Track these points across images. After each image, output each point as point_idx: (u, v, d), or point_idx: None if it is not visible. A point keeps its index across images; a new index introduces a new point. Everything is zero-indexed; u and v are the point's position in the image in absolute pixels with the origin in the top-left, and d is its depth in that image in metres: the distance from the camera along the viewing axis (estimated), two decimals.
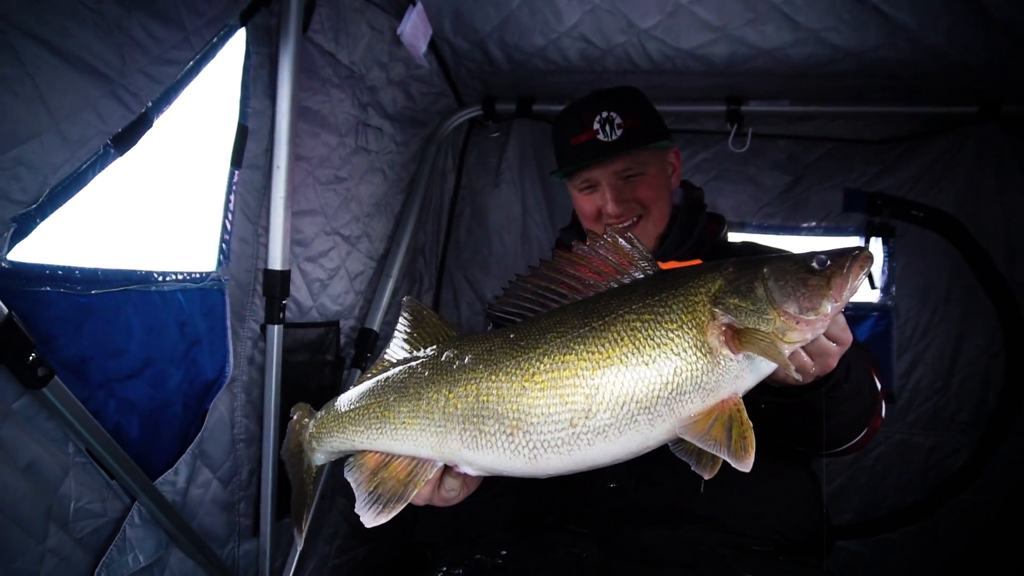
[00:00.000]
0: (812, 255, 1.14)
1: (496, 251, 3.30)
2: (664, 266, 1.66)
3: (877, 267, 2.98)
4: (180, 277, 1.87)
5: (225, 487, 2.13)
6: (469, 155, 3.37)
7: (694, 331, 1.07)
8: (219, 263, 2.03)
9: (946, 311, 2.95)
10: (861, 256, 1.14)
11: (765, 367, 1.12)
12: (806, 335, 1.10)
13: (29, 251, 1.47)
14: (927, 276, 2.97)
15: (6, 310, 1.33)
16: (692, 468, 1.09)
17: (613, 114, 1.83)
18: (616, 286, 1.19)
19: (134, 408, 1.74)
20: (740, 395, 1.11)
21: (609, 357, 1.07)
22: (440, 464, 1.22)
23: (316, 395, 2.60)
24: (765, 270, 1.12)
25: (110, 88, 1.53)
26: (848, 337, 1.22)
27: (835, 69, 2.59)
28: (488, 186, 3.31)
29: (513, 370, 1.12)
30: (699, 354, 1.07)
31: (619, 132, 1.82)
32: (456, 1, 2.44)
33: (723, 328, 1.08)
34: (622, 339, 1.08)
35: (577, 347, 1.09)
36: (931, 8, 2.20)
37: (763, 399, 1.32)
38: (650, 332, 1.08)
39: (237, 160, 2.01)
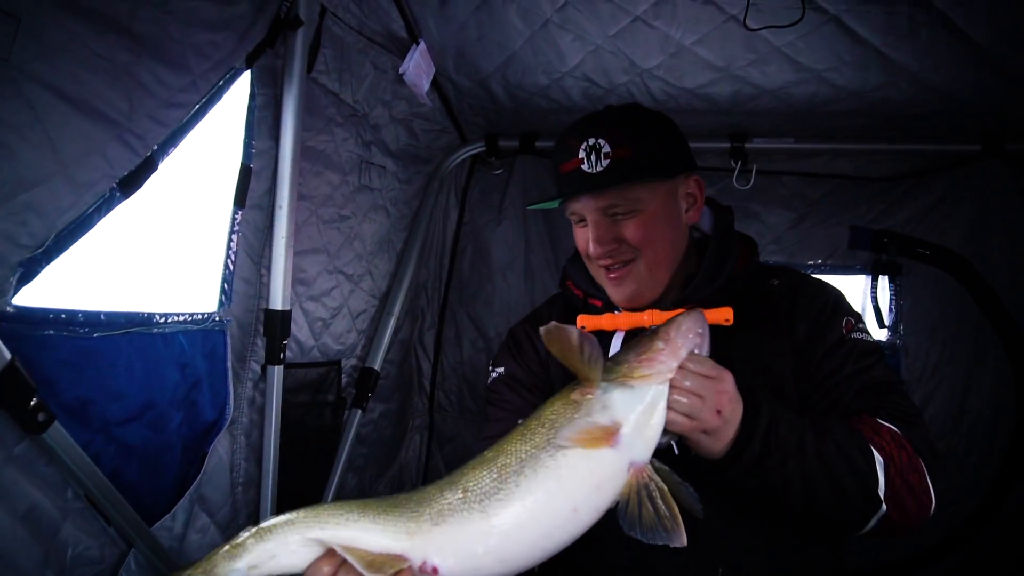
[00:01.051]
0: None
1: (499, 288, 3.33)
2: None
3: (884, 304, 3.01)
4: (182, 318, 1.90)
5: (223, 532, 2.13)
6: (472, 192, 3.43)
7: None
8: (221, 304, 2.06)
9: (955, 350, 2.97)
10: (690, 310, 1.34)
11: (644, 422, 1.22)
12: (654, 368, 1.25)
13: (33, 295, 1.50)
14: (935, 314, 2.99)
15: (8, 356, 1.35)
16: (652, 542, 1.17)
17: (601, 141, 1.64)
18: None
19: (133, 452, 1.76)
20: (643, 462, 1.21)
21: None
22: (406, 565, 1.16)
23: (317, 436, 2.62)
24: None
25: (117, 132, 1.58)
26: (720, 374, 1.30)
27: (838, 108, 2.65)
28: (491, 223, 3.36)
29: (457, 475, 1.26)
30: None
31: (604, 163, 1.63)
32: (459, 40, 2.51)
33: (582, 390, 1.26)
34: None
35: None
36: (932, 51, 2.26)
37: (711, 481, 1.36)
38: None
39: (240, 200, 2.05)
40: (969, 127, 2.77)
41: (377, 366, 2.90)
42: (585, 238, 1.72)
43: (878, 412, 1.53)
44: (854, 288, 3.04)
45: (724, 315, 1.58)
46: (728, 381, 1.31)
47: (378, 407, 3.04)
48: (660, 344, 1.28)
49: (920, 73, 2.37)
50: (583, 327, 1.72)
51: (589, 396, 1.24)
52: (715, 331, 1.51)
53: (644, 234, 1.66)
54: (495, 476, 1.19)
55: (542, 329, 1.26)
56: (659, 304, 1.71)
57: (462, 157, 3.25)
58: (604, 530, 1.23)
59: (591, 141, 1.65)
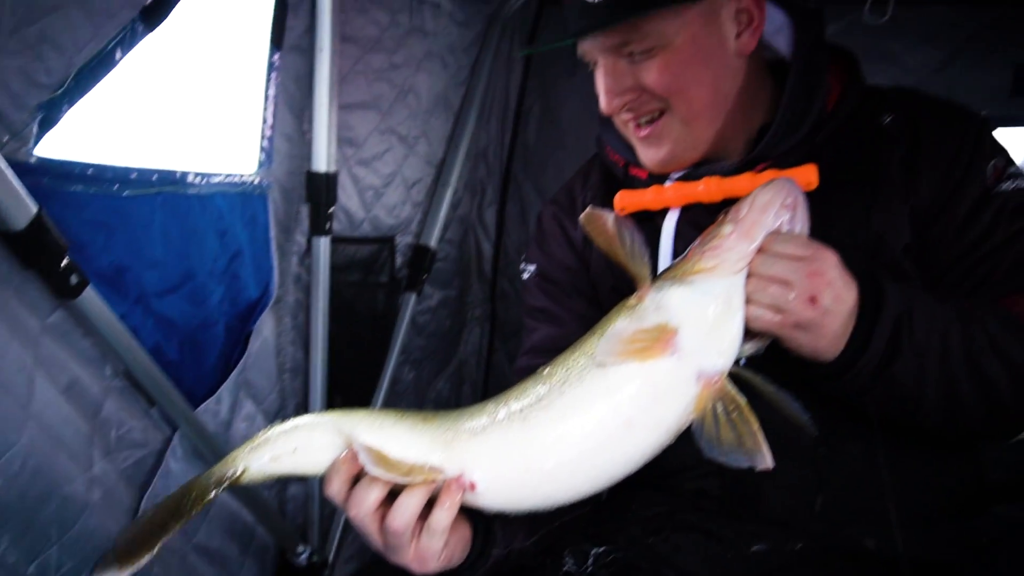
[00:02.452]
0: None
1: (572, 154, 3.25)
2: (759, 177, 1.43)
3: None
4: (218, 179, 1.93)
5: (270, 421, 2.22)
6: (539, 38, 3.31)
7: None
8: (261, 164, 2.08)
9: None
10: (773, 179, 1.22)
11: (711, 323, 1.16)
12: (719, 257, 1.18)
13: (57, 146, 1.53)
14: None
15: (35, 208, 1.39)
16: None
17: None
18: None
19: (173, 327, 1.83)
20: (716, 372, 1.15)
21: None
22: (440, 476, 1.16)
23: (370, 321, 2.69)
24: None
25: None
26: (814, 252, 1.17)
27: None
28: (562, 75, 3.25)
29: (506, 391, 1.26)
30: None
31: None
32: None
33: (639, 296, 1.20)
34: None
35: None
36: None
37: (820, 390, 1.28)
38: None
39: (277, 40, 2.04)
40: None
41: (433, 244, 2.92)
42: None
43: None
44: (1018, 145, 2.88)
45: (805, 177, 1.38)
46: (826, 260, 1.19)
47: (435, 294, 3.09)
48: (728, 227, 1.20)
49: None
50: (622, 208, 1.57)
51: (642, 299, 1.20)
52: None
53: (670, 78, 1.42)
54: (540, 386, 1.18)
55: (581, 218, 1.20)
56: (720, 166, 1.50)
57: None
58: (686, 454, 1.18)
59: None
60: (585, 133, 3.24)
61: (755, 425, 1.12)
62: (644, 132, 1.49)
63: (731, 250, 1.18)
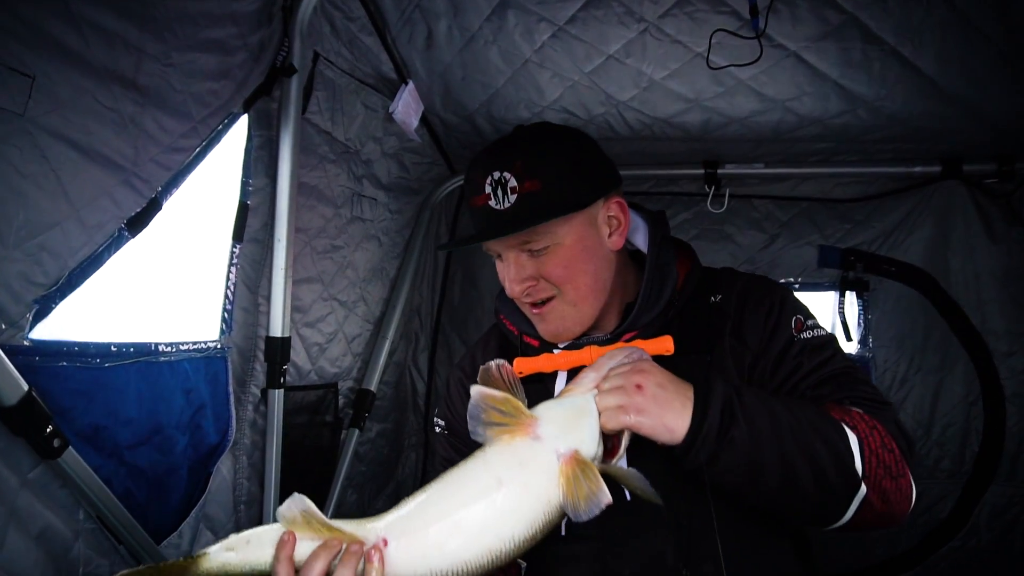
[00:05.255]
0: None
1: (487, 310, 3.41)
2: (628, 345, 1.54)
3: (853, 319, 3.10)
4: (186, 347, 1.98)
5: None
6: (461, 219, 3.52)
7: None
8: (222, 332, 2.14)
9: (923, 361, 3.06)
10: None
11: (567, 420, 1.29)
12: (577, 385, 1.34)
13: (47, 328, 1.58)
14: (902, 327, 3.08)
15: (26, 387, 1.43)
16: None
17: (505, 175, 1.47)
18: None
19: (142, 474, 1.83)
20: (568, 451, 1.25)
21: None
22: (367, 547, 1.23)
23: (316, 455, 2.69)
24: None
25: (124, 177, 1.66)
26: (636, 363, 1.33)
27: (802, 134, 2.75)
28: (478, 248, 3.41)
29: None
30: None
31: (512, 198, 1.47)
32: (445, 80, 2.61)
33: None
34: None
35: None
36: (886, 81, 2.36)
37: (687, 474, 1.33)
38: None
39: (238, 236, 2.14)
40: (928, 150, 2.87)
41: (373, 387, 2.97)
42: (503, 273, 1.61)
43: (843, 401, 1.45)
44: (824, 304, 3.14)
45: (664, 345, 1.50)
46: (644, 363, 1.34)
47: (375, 426, 3.11)
48: (588, 368, 1.39)
49: (876, 102, 2.47)
50: (520, 371, 1.60)
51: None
52: (659, 360, 1.47)
53: (563, 271, 1.53)
54: (441, 474, 1.32)
55: (480, 378, 1.33)
56: (599, 335, 1.63)
57: (451, 187, 3.35)
58: (564, 551, 1.27)
59: (495, 175, 1.49)
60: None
61: (597, 473, 1.21)
62: (537, 311, 1.59)
63: (585, 377, 1.34)
